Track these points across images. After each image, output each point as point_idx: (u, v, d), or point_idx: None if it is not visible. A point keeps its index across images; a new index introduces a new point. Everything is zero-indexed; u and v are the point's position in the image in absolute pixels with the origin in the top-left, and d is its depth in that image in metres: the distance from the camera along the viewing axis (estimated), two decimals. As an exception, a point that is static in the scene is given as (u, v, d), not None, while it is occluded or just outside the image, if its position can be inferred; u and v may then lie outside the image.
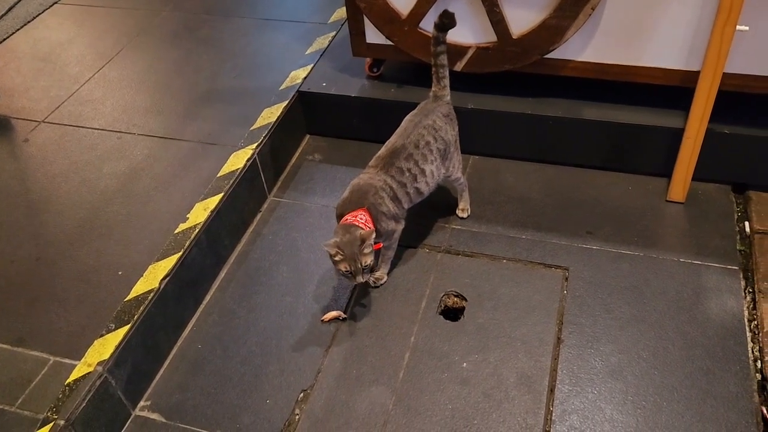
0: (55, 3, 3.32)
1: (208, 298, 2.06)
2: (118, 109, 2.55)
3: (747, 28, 1.86)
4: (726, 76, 1.99)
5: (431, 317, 1.94)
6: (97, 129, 2.46)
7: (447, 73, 2.01)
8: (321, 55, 2.67)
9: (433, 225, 2.21)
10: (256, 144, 2.27)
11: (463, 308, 1.97)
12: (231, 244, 2.18)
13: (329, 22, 2.88)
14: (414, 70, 2.51)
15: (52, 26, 3.16)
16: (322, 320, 1.95)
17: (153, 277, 1.86)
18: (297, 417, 1.74)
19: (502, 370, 1.79)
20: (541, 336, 1.86)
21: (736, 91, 2.06)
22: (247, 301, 2.04)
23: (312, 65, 2.61)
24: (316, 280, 2.07)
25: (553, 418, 1.68)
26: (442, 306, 1.99)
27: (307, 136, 2.63)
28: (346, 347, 1.88)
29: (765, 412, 1.66)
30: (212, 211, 2.04)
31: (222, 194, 2.09)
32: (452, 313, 1.98)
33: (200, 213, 2.04)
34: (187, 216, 2.03)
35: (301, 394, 1.78)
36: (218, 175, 2.16)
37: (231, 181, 2.14)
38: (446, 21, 1.91)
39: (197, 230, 1.98)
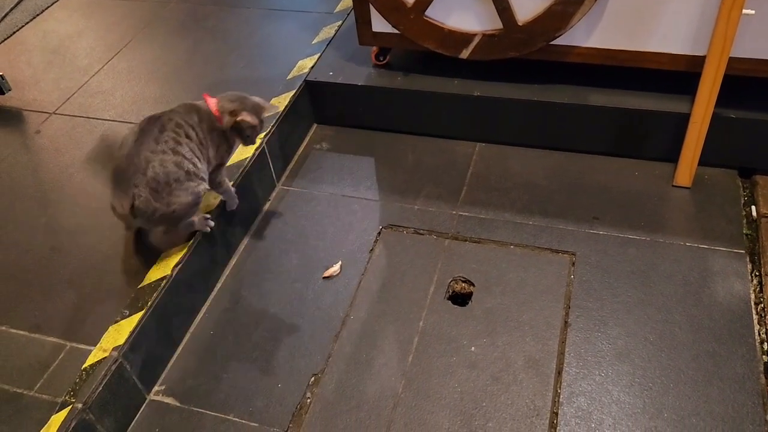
0: (63, -4, 3.35)
1: (219, 285, 2.09)
2: (127, 100, 2.58)
3: (753, 11, 1.86)
4: (733, 61, 1.99)
5: (439, 302, 1.96)
6: (108, 120, 2.49)
7: None
8: (327, 45, 2.68)
9: (440, 212, 2.23)
10: (264, 133, 2.29)
11: (471, 293, 1.99)
12: (241, 232, 2.20)
13: (335, 11, 2.89)
14: (420, 58, 2.52)
15: (61, 19, 3.18)
16: (324, 277, 2.03)
17: (165, 264, 1.89)
18: (308, 400, 1.77)
19: (510, 354, 1.81)
20: (548, 320, 1.88)
21: (742, 75, 2.06)
22: (258, 287, 2.07)
23: (319, 55, 2.62)
24: (324, 266, 2.09)
25: (560, 400, 1.70)
26: (450, 291, 2.01)
27: (315, 125, 2.65)
28: (356, 332, 1.91)
29: (771, 393, 1.68)
30: (222, 200, 2.06)
31: (232, 183, 2.11)
32: (460, 299, 2.00)
33: (211, 201, 2.06)
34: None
35: (312, 378, 1.81)
36: (228, 164, 2.18)
37: (241, 170, 2.16)
38: None
39: (208, 219, 2.01)
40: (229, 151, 1.95)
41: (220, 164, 1.94)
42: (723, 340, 1.78)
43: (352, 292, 2.01)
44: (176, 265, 1.89)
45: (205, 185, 1.84)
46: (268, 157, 2.31)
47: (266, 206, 2.33)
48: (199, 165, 1.80)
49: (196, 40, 2.87)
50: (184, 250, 1.93)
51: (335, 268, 2.08)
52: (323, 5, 2.95)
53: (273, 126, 2.32)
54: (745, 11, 1.85)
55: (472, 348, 1.84)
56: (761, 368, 1.72)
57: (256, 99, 1.91)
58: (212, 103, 1.86)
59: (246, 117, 1.83)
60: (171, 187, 1.73)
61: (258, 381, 1.82)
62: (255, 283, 2.08)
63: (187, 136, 1.78)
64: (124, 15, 3.14)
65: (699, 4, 1.98)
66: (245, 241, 2.21)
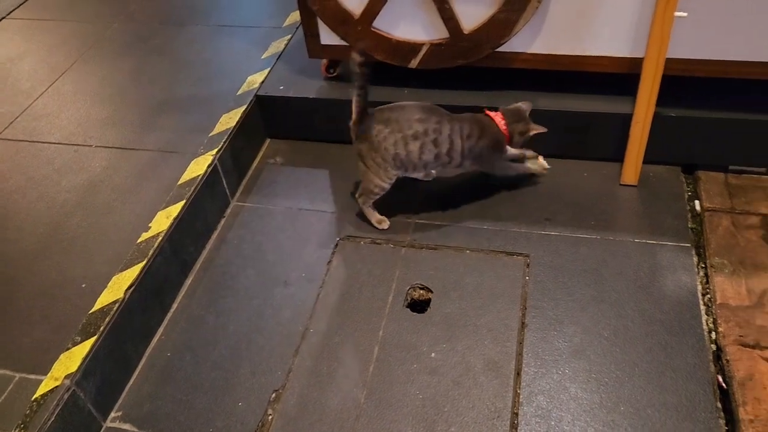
0: (3, 18, 3.27)
1: (175, 305, 2.05)
2: (73, 122, 2.52)
3: (686, 14, 1.94)
4: (670, 62, 2.06)
5: (398, 311, 1.97)
6: (53, 143, 2.43)
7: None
8: (277, 59, 2.68)
9: (396, 221, 2.24)
10: (216, 150, 2.27)
11: (429, 300, 2.00)
12: (196, 250, 2.18)
13: (284, 25, 2.89)
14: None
15: (2, 42, 3.10)
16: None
17: (117, 287, 1.85)
18: (270, 417, 1.75)
19: (469, 358, 1.82)
20: (505, 322, 1.90)
21: (681, 75, 2.14)
22: (215, 306, 2.04)
23: (269, 69, 2.62)
24: (282, 282, 2.08)
25: (520, 400, 1.72)
26: (409, 299, 2.02)
27: (268, 140, 2.64)
28: (316, 345, 1.90)
29: (721, 380, 1.73)
30: (175, 219, 2.04)
31: (184, 201, 2.09)
32: (419, 306, 2.01)
33: (162, 221, 2.03)
34: (149, 225, 2.02)
35: (273, 395, 1.79)
36: (179, 182, 2.16)
37: (192, 188, 2.14)
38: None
39: (160, 239, 1.98)
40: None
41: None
42: (674, 331, 1.83)
43: (311, 305, 2.01)
44: (129, 288, 1.85)
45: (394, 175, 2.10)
46: (221, 173, 2.29)
47: (221, 223, 2.30)
48: (414, 160, 2.05)
49: (142, 59, 2.84)
50: (137, 272, 1.89)
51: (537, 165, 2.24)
52: (272, 20, 2.95)
53: (224, 142, 2.31)
54: (677, 14, 1.93)
55: (433, 354, 1.85)
56: (710, 357, 1.78)
57: (521, 105, 2.17)
58: (500, 123, 2.12)
59: (536, 129, 2.15)
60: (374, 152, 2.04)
61: (218, 401, 1.80)
62: (212, 302, 2.05)
63: (435, 143, 2.02)
64: (66, 36, 3.08)
65: (635, 8, 2.05)
66: (200, 259, 2.18)
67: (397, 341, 1.89)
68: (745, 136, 2.21)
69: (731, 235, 2.07)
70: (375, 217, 2.22)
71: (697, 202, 2.21)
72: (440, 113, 2.06)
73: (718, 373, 1.75)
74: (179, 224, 2.05)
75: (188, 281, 2.12)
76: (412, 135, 2.02)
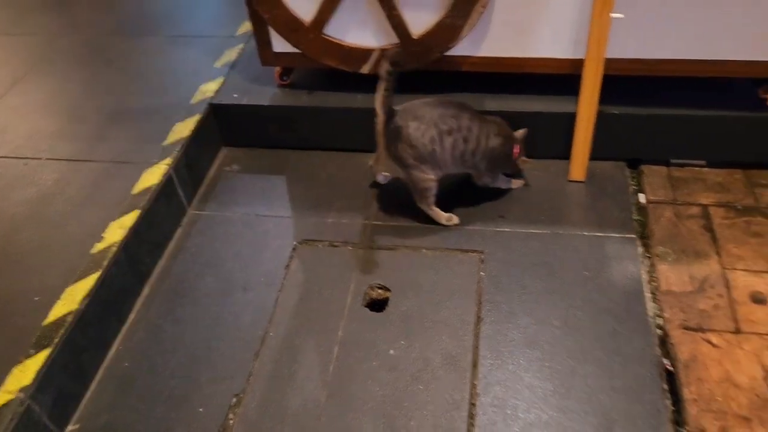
0: (-52, 33, 3.20)
1: (132, 315, 2.04)
2: (22, 136, 2.49)
3: (622, 15, 2.03)
4: (610, 62, 2.15)
5: (357, 310, 2.00)
6: (2, 157, 2.39)
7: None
8: (231, 67, 2.69)
9: (354, 223, 2.27)
10: (170, 159, 2.27)
11: (388, 299, 2.04)
12: (152, 260, 2.17)
13: (237, 34, 2.90)
14: (324, 76, 2.58)
15: (-53, 57, 3.04)
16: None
17: (71, 299, 1.84)
18: (231, 422, 1.75)
19: (427, 353, 1.86)
20: (462, 317, 1.95)
21: (621, 74, 2.24)
22: (173, 314, 2.03)
23: (223, 78, 2.63)
24: (241, 287, 2.09)
25: (477, 391, 1.76)
26: (367, 299, 2.05)
27: (224, 148, 2.64)
28: (276, 349, 1.91)
29: (666, 363, 1.81)
30: (129, 229, 2.03)
31: (138, 211, 2.08)
32: (377, 305, 2.04)
33: (116, 232, 2.02)
34: (103, 236, 2.01)
35: (234, 399, 1.80)
36: (132, 192, 2.15)
37: (146, 198, 2.13)
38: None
39: (114, 249, 1.97)
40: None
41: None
42: (621, 318, 1.90)
43: (271, 310, 2.02)
44: (83, 299, 1.84)
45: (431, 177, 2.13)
46: (176, 182, 2.28)
47: (178, 232, 2.30)
48: (447, 157, 2.09)
49: (94, 71, 2.81)
50: (92, 282, 1.88)
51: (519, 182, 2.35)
52: (225, 29, 2.96)
53: (178, 151, 2.31)
54: (613, 15, 2.02)
55: (391, 351, 1.88)
56: (656, 341, 1.85)
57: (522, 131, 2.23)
58: (516, 148, 2.20)
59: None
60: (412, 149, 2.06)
61: (178, 409, 1.79)
62: (170, 310, 2.05)
63: (465, 140, 2.07)
64: (15, 50, 3.03)
65: (575, 11, 2.14)
66: (158, 269, 2.17)
67: (357, 340, 1.92)
68: (684, 130, 2.32)
69: (673, 225, 2.17)
70: (443, 216, 2.22)
71: (641, 195, 2.30)
72: (471, 111, 2.11)
73: (663, 357, 1.82)
74: (134, 234, 2.04)
75: (145, 291, 2.10)
76: (446, 131, 2.05)
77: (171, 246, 2.25)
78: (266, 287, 2.09)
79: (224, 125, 2.59)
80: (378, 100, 2.02)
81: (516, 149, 2.19)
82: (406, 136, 2.06)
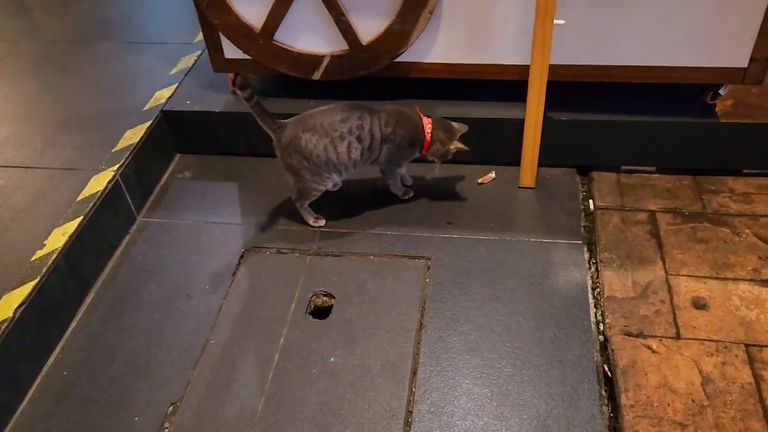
0: None
1: (74, 323, 2.02)
2: (-28, 142, 2.47)
3: (564, 21, 2.04)
4: (556, 68, 2.16)
5: (300, 318, 1.99)
6: (-50, 164, 2.37)
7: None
8: (186, 74, 2.68)
9: (303, 230, 2.26)
10: (117, 165, 2.25)
11: (332, 306, 2.03)
12: (97, 267, 2.14)
13: (195, 41, 2.90)
14: (277, 82, 2.57)
15: None
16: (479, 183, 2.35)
17: (7, 306, 1.81)
18: (166, 430, 1.73)
19: (367, 360, 1.85)
20: (404, 324, 1.94)
21: (569, 81, 2.25)
22: (115, 322, 2.01)
23: (176, 84, 2.62)
24: (185, 295, 2.07)
25: (415, 398, 1.75)
26: (312, 306, 2.04)
27: (177, 155, 2.63)
28: (216, 356, 1.89)
29: (606, 369, 1.80)
30: (71, 236, 2.01)
31: (81, 218, 2.06)
32: (322, 312, 2.03)
33: (58, 238, 2.00)
34: (45, 243, 1.99)
35: (171, 408, 1.78)
36: (77, 199, 2.13)
37: (91, 205, 2.11)
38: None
39: (55, 256, 1.94)
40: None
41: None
42: (563, 325, 1.90)
43: (214, 317, 2.00)
44: (19, 307, 1.81)
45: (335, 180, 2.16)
46: (124, 189, 2.27)
47: (126, 239, 2.28)
48: (344, 161, 2.08)
49: (47, 77, 2.80)
50: (29, 290, 1.86)
51: (491, 175, 2.36)
52: (182, 36, 2.95)
53: (127, 158, 2.29)
54: (556, 22, 2.03)
55: (332, 359, 1.87)
56: (596, 347, 1.85)
57: (456, 124, 2.17)
58: (426, 125, 2.14)
59: (458, 145, 2.15)
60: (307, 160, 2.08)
61: (114, 417, 1.77)
62: (112, 318, 2.03)
63: (359, 140, 2.06)
64: (-29, 56, 3.02)
65: (521, 17, 2.15)
66: (102, 276, 2.15)
67: (298, 348, 1.90)
68: (633, 137, 2.33)
69: (620, 231, 2.17)
70: (311, 217, 2.25)
71: (591, 201, 2.31)
72: (361, 108, 2.10)
73: (604, 363, 1.82)
74: (76, 241, 2.02)
75: (88, 298, 2.08)
76: (338, 136, 2.05)
77: (118, 253, 2.23)
78: (211, 294, 2.07)
79: (177, 132, 2.57)
80: (261, 124, 2.07)
81: (427, 134, 2.13)
82: (298, 148, 2.06)
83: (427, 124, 2.14)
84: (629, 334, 1.87)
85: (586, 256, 2.11)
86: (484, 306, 1.97)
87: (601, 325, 1.91)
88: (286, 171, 2.14)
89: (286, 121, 2.11)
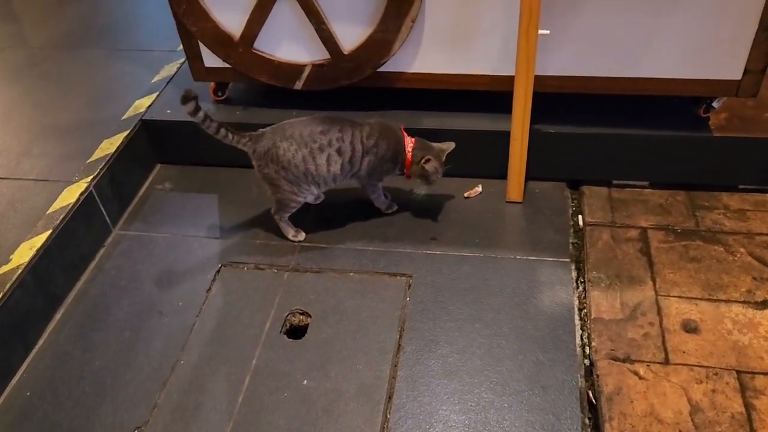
0: None
1: (41, 341, 1.95)
2: (-52, 151, 2.41)
3: (548, 31, 1.97)
4: (543, 78, 2.09)
5: (275, 338, 1.91)
6: None
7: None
8: (168, 83, 2.62)
9: (282, 244, 2.19)
10: (91, 177, 2.19)
11: (308, 325, 1.95)
12: (67, 282, 2.08)
13: (179, 49, 2.83)
14: (260, 92, 2.51)
15: None
16: (465, 197, 2.28)
17: (-32, 324, 1.75)
18: (129, 456, 1.66)
19: (342, 384, 1.77)
20: (381, 345, 1.86)
21: (556, 92, 2.17)
22: (84, 340, 1.95)
23: (158, 93, 2.56)
24: (157, 312, 2.00)
25: (389, 425, 1.67)
26: (287, 325, 1.97)
27: (158, 166, 2.57)
28: (185, 378, 1.82)
29: (590, 395, 1.72)
30: (38, 250, 1.94)
31: (50, 231, 2.00)
32: (297, 332, 1.96)
33: (25, 252, 1.94)
34: (11, 257, 1.93)
35: (135, 432, 1.71)
36: (48, 212, 2.07)
37: (62, 217, 2.05)
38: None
39: (21, 271, 1.88)
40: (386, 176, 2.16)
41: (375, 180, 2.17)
42: (547, 348, 1.82)
43: (185, 336, 1.93)
44: (-19, 325, 1.75)
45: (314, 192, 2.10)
46: (98, 201, 2.20)
47: (100, 253, 2.22)
48: (323, 174, 2.01)
49: (28, 85, 2.74)
50: (-8, 308, 1.80)
51: (477, 189, 2.30)
52: (166, 43, 2.89)
53: (102, 168, 2.23)
54: (541, 31, 1.95)
55: (305, 381, 1.79)
56: (582, 372, 1.77)
57: (441, 145, 2.10)
58: (408, 143, 2.07)
59: (432, 163, 2.06)
60: (284, 170, 2.00)
61: (76, 441, 1.70)
62: (81, 337, 1.96)
63: (339, 152, 2.00)
64: (-49, 63, 2.97)
65: (505, 26, 2.07)
66: (73, 292, 2.09)
67: (271, 370, 1.83)
68: (625, 150, 2.25)
69: (610, 249, 2.09)
70: (291, 231, 2.18)
71: (580, 217, 2.23)
72: (342, 121, 2.03)
73: (588, 389, 1.74)
74: (45, 255, 1.96)
75: (58, 315, 2.02)
76: (318, 148, 1.98)
77: (91, 267, 2.17)
78: (184, 312, 2.00)
79: (158, 142, 2.51)
80: (220, 139, 2.00)
81: (408, 152, 2.05)
82: (275, 157, 1.99)
83: (409, 143, 2.08)
84: (616, 359, 1.79)
85: (574, 274, 2.03)
86: (465, 327, 1.89)
87: (587, 348, 1.83)
88: (263, 182, 2.08)
89: (262, 130, 2.04)
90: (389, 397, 1.74)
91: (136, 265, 2.17)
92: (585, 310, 1.93)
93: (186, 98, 1.89)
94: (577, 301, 1.96)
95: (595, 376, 1.75)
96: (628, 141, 2.22)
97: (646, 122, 2.22)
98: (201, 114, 1.93)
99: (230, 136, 2.00)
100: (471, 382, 1.75)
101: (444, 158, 2.09)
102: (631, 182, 2.31)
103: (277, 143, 1.99)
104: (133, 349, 1.91)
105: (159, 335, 1.94)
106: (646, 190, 2.30)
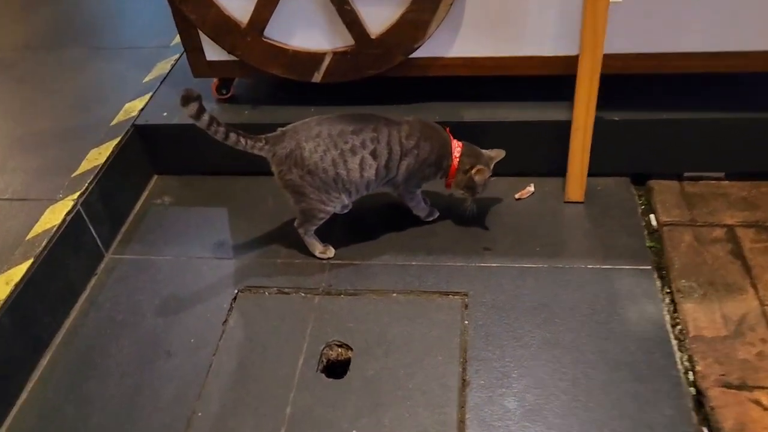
0: None
1: (24, 395, 1.61)
2: None
3: (621, 0, 1.67)
4: (609, 58, 1.79)
5: (311, 377, 1.58)
6: None
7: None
8: (162, 82, 2.30)
9: (308, 263, 1.86)
10: (78, 193, 1.85)
11: (350, 360, 1.62)
12: (54, 321, 1.74)
13: (172, 44, 2.51)
14: (271, 88, 2.20)
15: None
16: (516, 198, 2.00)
17: (-69, 382, 1.41)
18: None
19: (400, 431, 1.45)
20: (442, 381, 1.54)
21: (620, 73, 1.87)
22: (77, 391, 1.61)
23: (151, 94, 2.23)
24: (164, 352, 1.67)
25: (466, 485, 1.35)
26: (324, 361, 1.64)
27: (155, 177, 2.24)
28: (205, 433, 1.49)
29: (706, 433, 1.41)
30: (17, 285, 1.60)
31: (32, 261, 1.66)
32: (337, 368, 1.63)
33: (1, 288, 1.59)
34: (-17, 295, 1.58)
35: None
36: (27, 237, 1.73)
37: (45, 243, 1.71)
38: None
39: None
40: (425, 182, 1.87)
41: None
42: (644, 376, 1.51)
43: (201, 381, 1.60)
44: (-53, 382, 1.41)
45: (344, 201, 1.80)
46: (87, 221, 1.87)
47: (91, 283, 1.88)
48: (355, 180, 1.73)
49: (2, 91, 2.40)
50: (-39, 359, 1.45)
51: (529, 189, 2.02)
52: (158, 38, 2.57)
53: (90, 183, 1.89)
54: (612, 0, 1.66)
55: (354, 431, 1.46)
56: (691, 404, 1.46)
57: (490, 153, 1.84)
58: (456, 148, 1.79)
59: (484, 174, 1.78)
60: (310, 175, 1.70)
61: None
62: (73, 386, 1.62)
63: (374, 155, 1.70)
64: None
65: (563, -2, 1.78)
66: (61, 333, 1.74)
67: (310, 418, 1.50)
68: (699, 138, 1.96)
69: (696, 252, 1.79)
70: (318, 246, 1.87)
71: (652, 216, 1.93)
72: (376, 119, 1.73)
73: (702, 425, 1.43)
74: (25, 290, 1.62)
75: (44, 361, 1.68)
76: (350, 149, 1.68)
77: (81, 301, 1.83)
78: (197, 351, 1.67)
79: (153, 150, 2.19)
80: (231, 145, 1.69)
81: (455, 158, 1.77)
82: (300, 159, 1.68)
83: (457, 147, 1.78)
84: (729, 386, 1.48)
85: (658, 284, 1.73)
86: (541, 354, 1.57)
87: (691, 374, 1.52)
88: (285, 190, 1.75)
89: (282, 129, 1.73)
90: (461, 448, 1.42)
91: (135, 295, 1.83)
92: (680, 327, 1.62)
93: (187, 99, 1.57)
94: (668, 316, 1.65)
95: (708, 409, 1.44)
96: (704, 127, 1.93)
97: (722, 104, 1.93)
98: (206, 117, 1.61)
99: (243, 140, 1.68)
100: (559, 423, 1.43)
101: (492, 167, 1.80)
102: (705, 174, 2.02)
103: (301, 144, 1.67)
104: (138, 400, 1.57)
105: (169, 381, 1.60)
106: (724, 182, 2.00)
